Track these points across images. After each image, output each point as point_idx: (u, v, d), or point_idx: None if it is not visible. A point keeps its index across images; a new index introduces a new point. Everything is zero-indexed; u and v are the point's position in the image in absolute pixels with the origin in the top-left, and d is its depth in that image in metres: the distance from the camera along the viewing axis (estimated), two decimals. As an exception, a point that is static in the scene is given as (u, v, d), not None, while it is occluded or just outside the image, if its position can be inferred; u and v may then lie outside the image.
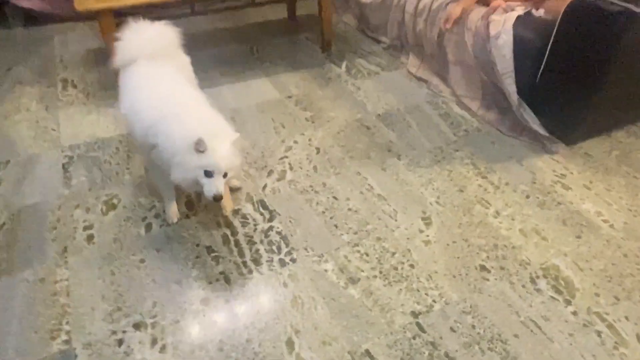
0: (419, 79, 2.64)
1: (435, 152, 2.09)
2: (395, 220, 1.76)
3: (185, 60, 1.84)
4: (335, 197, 1.85)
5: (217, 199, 1.37)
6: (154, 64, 1.61)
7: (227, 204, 1.76)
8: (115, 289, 1.49)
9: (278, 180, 1.93)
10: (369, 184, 1.92)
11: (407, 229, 1.72)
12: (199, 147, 1.33)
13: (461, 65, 2.38)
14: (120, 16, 2.01)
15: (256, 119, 2.28)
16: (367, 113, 2.34)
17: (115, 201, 1.80)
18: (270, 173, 1.96)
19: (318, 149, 2.10)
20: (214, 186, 1.37)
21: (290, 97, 2.46)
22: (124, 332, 1.38)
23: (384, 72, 2.71)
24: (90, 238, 1.65)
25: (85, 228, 1.69)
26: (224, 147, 1.38)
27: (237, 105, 2.38)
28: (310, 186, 1.90)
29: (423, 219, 1.77)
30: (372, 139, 2.17)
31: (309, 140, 2.15)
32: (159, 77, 1.58)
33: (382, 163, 2.03)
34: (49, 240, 1.64)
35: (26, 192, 1.84)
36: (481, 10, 2.25)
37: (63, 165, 1.97)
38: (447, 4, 2.41)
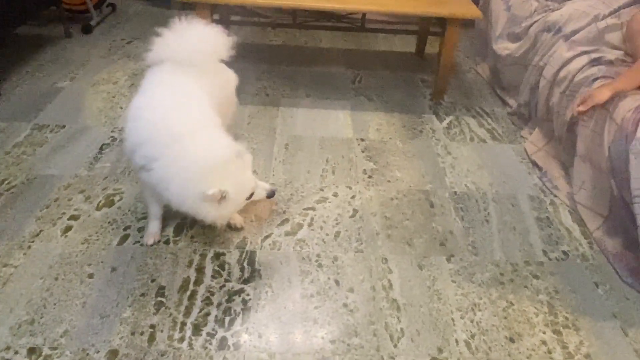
0: (534, 163, 1.99)
1: (503, 269, 1.49)
2: (395, 347, 1.24)
3: (228, 76, 1.60)
4: (337, 282, 1.41)
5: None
6: (179, 71, 1.38)
7: (238, 219, 1.55)
8: (44, 298, 1.30)
9: (287, 234, 1.56)
10: (389, 280, 1.42)
11: (403, 366, 1.20)
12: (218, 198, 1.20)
13: (591, 164, 1.69)
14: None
15: (310, 153, 1.95)
16: (441, 186, 1.82)
17: (116, 198, 1.64)
18: (284, 222, 1.61)
19: (355, 212, 1.67)
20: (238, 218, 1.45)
21: (362, 140, 2.06)
22: (16, 352, 1.17)
23: (493, 142, 2.12)
24: (67, 230, 1.51)
25: (70, 217, 1.55)
26: (242, 187, 1.28)
27: (300, 133, 2.07)
28: (318, 255, 1.49)
29: (434, 360, 1.22)
30: (429, 221, 1.65)
31: (352, 197, 1.73)
32: (172, 88, 1.36)
33: (423, 258, 1.51)
34: (33, 218, 1.54)
35: (53, 161, 1.79)
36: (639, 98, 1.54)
37: (102, 145, 1.90)
38: (597, 78, 1.73)
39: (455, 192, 1.79)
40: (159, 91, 1.34)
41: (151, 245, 1.47)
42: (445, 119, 2.25)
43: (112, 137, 1.95)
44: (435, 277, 1.44)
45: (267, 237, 1.54)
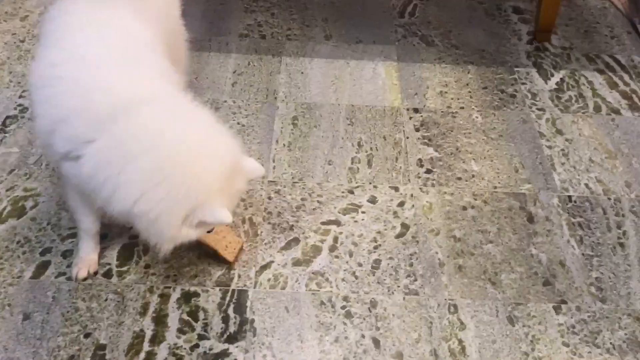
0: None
1: (648, 324, 1.49)
2: None
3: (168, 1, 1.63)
4: (376, 342, 1.42)
5: None
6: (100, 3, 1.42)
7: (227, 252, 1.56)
8: None
9: (296, 263, 1.58)
10: (460, 341, 1.43)
11: None
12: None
13: None
14: None
15: (332, 133, 1.97)
16: (545, 187, 1.82)
17: (29, 203, 1.68)
18: (291, 243, 1.63)
19: (405, 228, 1.68)
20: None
21: (416, 110, 2.06)
22: None
23: (633, 113, 2.10)
24: (-50, 252, 1.56)
25: (-44, 232, 1.61)
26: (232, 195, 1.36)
27: (316, 99, 2.09)
28: (345, 299, 1.51)
29: None
30: (526, 245, 1.65)
31: (399, 204, 1.74)
32: (100, 28, 1.38)
33: (515, 305, 1.51)
34: None
35: None
36: None
37: (5, 119, 1.94)
38: None
39: (570, 198, 1.79)
40: (81, 36, 1.36)
41: (84, 279, 1.50)
42: (553, 75, 2.24)
43: (20, 106, 1.99)
44: (536, 337, 1.44)
45: (264, 267, 1.56)
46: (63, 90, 1.30)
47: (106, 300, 1.47)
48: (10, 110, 1.98)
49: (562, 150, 1.95)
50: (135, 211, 1.25)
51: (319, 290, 1.52)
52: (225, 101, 2.06)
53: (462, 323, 1.47)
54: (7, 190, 1.72)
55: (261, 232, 1.66)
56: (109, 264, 1.55)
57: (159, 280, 1.52)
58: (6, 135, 1.89)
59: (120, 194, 1.25)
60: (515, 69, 2.27)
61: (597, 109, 2.11)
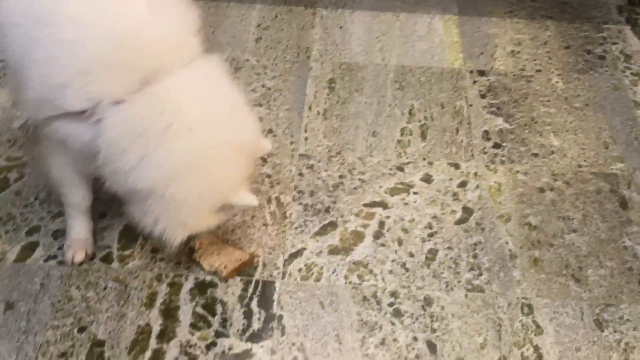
0: None
1: None
2: None
3: None
4: (431, 347, 1.40)
5: None
6: None
7: (222, 261, 1.54)
8: None
9: (333, 250, 1.58)
10: (536, 347, 1.41)
11: None
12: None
13: None
14: None
15: (378, 98, 1.96)
16: (640, 168, 1.80)
17: (12, 175, 1.72)
18: (326, 228, 1.63)
19: (469, 213, 1.67)
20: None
21: (482, 73, 2.06)
22: None
23: None
24: None
25: None
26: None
27: (358, 58, 2.10)
28: (393, 294, 1.49)
29: None
30: (617, 235, 1.64)
31: (461, 184, 1.74)
32: None
33: (604, 306, 1.49)
34: None
35: None
36: None
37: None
38: None
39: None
40: None
41: (79, 264, 1.51)
42: (652, 36, 2.23)
43: (1, 62, 2.01)
44: (630, 345, 1.42)
45: (295, 255, 1.56)
46: (83, 32, 1.28)
47: (105, 288, 1.48)
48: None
49: (663, 123, 1.92)
50: (162, 193, 1.27)
51: (361, 284, 1.51)
52: (248, 60, 2.06)
53: (538, 326, 1.45)
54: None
55: (291, 214, 1.65)
56: (109, 246, 1.56)
57: (169, 267, 1.52)
58: (-14, 92, 1.92)
59: (148, 170, 1.26)
60: (604, 25, 2.25)
61: None
